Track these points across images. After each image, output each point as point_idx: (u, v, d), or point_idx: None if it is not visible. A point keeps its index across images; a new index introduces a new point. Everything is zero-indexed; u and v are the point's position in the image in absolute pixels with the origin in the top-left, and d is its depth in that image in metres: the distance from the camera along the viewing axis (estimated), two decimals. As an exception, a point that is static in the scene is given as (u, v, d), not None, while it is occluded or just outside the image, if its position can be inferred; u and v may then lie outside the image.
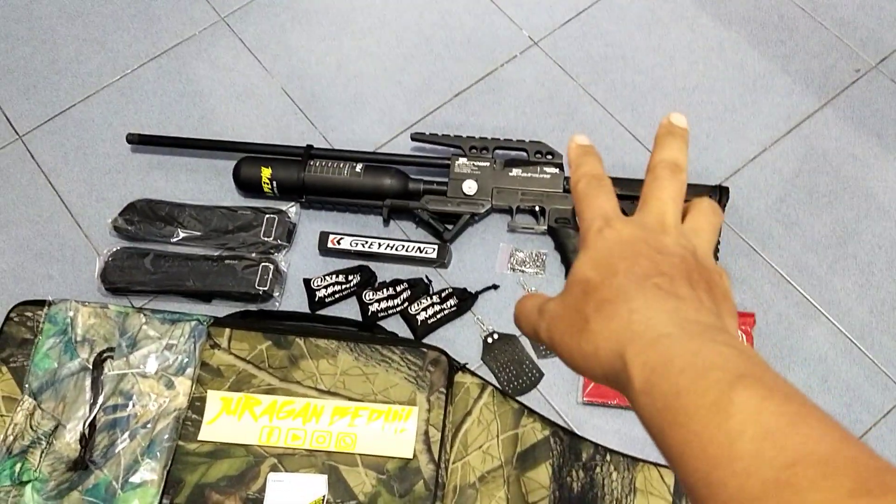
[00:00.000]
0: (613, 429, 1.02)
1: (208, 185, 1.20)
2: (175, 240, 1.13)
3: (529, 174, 1.13)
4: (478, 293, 1.10)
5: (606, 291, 0.37)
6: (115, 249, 1.12)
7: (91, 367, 1.01)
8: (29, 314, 1.06)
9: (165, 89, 1.28)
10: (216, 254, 1.13)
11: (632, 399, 0.35)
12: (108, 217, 1.15)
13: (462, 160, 1.13)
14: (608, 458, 0.99)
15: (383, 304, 1.09)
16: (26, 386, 1.00)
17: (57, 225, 1.17)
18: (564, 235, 1.10)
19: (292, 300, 1.11)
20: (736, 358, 0.32)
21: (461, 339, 1.08)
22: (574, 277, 0.40)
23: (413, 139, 1.15)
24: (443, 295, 1.09)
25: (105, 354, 1.02)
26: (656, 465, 0.98)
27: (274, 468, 0.96)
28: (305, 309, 1.10)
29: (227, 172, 1.17)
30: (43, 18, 1.34)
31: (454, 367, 1.03)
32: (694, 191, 1.10)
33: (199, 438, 0.98)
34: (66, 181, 1.21)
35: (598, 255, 0.39)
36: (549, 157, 1.13)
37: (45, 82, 1.29)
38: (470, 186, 1.12)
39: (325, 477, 0.95)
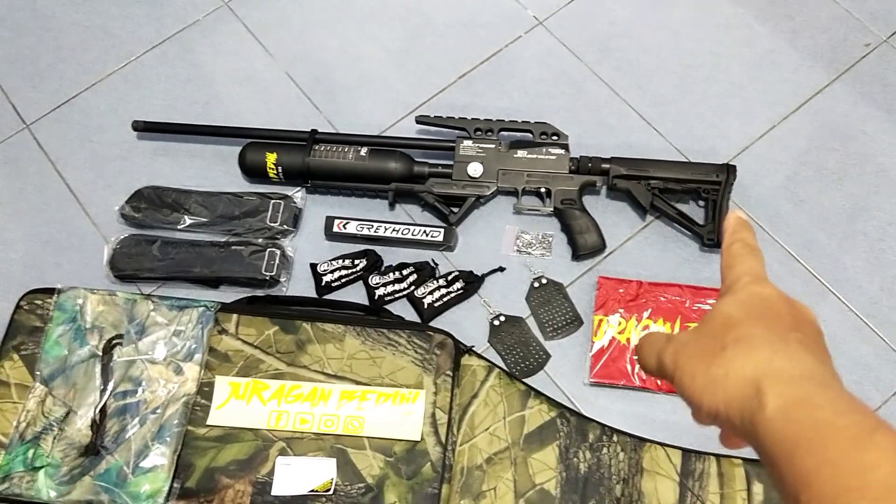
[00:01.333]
0: (620, 409, 1.02)
1: (214, 171, 1.20)
2: (182, 226, 1.14)
3: (535, 155, 1.12)
4: (484, 276, 1.10)
5: (750, 329, 0.40)
6: (122, 237, 1.13)
7: (100, 353, 1.02)
8: (38, 302, 1.06)
9: (170, 75, 1.28)
10: (223, 240, 1.13)
11: (757, 423, 0.36)
12: (115, 204, 1.16)
13: (467, 142, 1.13)
14: (615, 438, 0.99)
15: (390, 288, 1.09)
16: (37, 373, 1.01)
17: (65, 213, 1.18)
18: (570, 216, 1.10)
19: (299, 285, 1.12)
20: (873, 414, 0.35)
21: (468, 322, 1.08)
22: (714, 312, 0.42)
23: (418, 122, 1.15)
24: (449, 278, 1.09)
25: (114, 341, 1.03)
26: (663, 444, 0.98)
27: (282, 452, 0.97)
28: (312, 294, 1.11)
29: (233, 158, 1.17)
30: (46, 6, 1.34)
31: (461, 349, 1.03)
32: (701, 170, 1.09)
33: (208, 423, 0.98)
34: (74, 169, 1.21)
35: (743, 300, 0.42)
36: (555, 137, 1.12)
37: (50, 70, 1.29)
38: (475, 169, 1.12)
39: (334, 460, 0.96)
